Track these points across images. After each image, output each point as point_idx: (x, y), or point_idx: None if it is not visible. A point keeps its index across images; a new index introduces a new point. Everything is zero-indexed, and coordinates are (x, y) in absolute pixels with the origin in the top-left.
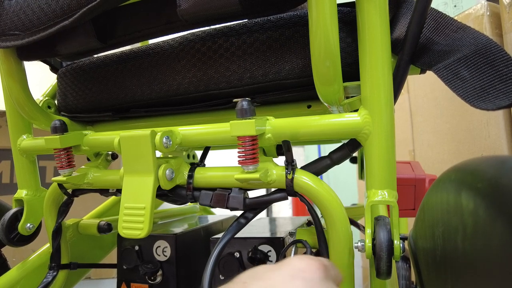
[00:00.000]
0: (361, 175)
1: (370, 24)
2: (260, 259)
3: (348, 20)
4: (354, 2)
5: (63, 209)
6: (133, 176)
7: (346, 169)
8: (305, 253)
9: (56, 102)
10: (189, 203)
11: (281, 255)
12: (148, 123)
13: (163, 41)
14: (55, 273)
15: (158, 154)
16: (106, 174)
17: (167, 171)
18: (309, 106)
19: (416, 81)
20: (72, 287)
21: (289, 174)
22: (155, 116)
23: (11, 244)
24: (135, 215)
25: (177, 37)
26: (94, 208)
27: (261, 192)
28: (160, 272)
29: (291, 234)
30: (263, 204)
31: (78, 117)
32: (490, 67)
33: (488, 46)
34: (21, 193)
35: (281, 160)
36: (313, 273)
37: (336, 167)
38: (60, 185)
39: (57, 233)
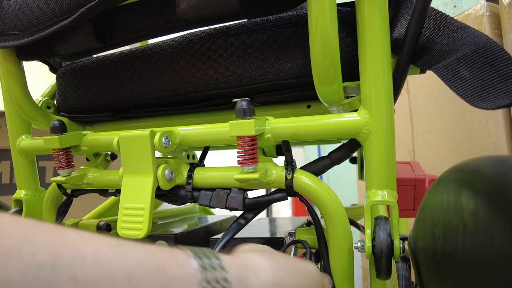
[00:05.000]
0: (361, 175)
1: (370, 24)
2: None
3: (347, 20)
4: (353, 2)
5: (62, 210)
6: (132, 176)
7: (346, 169)
8: (304, 253)
9: (55, 102)
10: (188, 203)
11: None
12: (147, 123)
13: (162, 41)
14: None
15: (158, 154)
16: (105, 174)
17: (166, 171)
18: (308, 106)
19: (416, 81)
20: None
21: (289, 174)
22: (155, 116)
23: None
24: (134, 216)
25: (176, 37)
26: (93, 208)
27: (261, 192)
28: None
29: (291, 234)
30: (262, 204)
31: (77, 117)
32: (490, 66)
33: (488, 46)
34: (20, 193)
35: (280, 160)
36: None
37: (336, 167)
38: (59, 186)
39: None
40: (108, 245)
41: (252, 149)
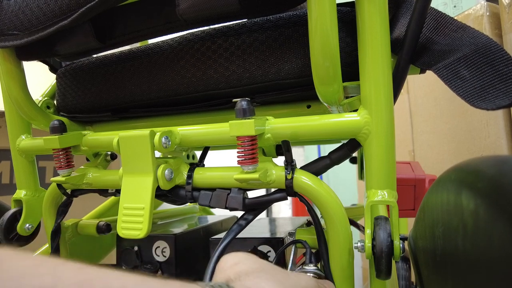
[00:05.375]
0: (360, 175)
1: (370, 24)
2: None
3: (347, 20)
4: (353, 1)
5: (62, 210)
6: (132, 176)
7: (346, 169)
8: (304, 253)
9: (55, 102)
10: (188, 204)
11: (279, 253)
12: (147, 123)
13: (162, 41)
14: None
15: (158, 154)
16: (105, 174)
17: (166, 171)
18: (308, 106)
19: (416, 81)
20: None
21: (289, 174)
22: (155, 116)
23: (10, 245)
24: (134, 216)
25: (176, 37)
26: (93, 208)
27: (261, 192)
28: (159, 273)
29: (291, 234)
30: (262, 204)
31: (77, 117)
32: (490, 66)
33: (488, 46)
34: (20, 193)
35: (280, 160)
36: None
37: (336, 167)
38: (59, 186)
39: (56, 233)
40: (133, 280)
41: (252, 149)
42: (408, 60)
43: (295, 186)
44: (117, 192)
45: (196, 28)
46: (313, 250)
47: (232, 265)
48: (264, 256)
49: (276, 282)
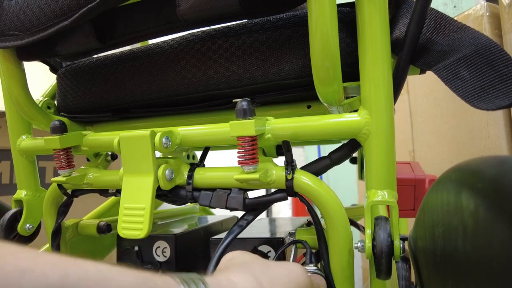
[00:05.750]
0: (361, 175)
1: (370, 24)
2: None
3: (347, 20)
4: (353, 2)
5: (63, 210)
6: (133, 177)
7: (346, 170)
8: (305, 253)
9: (55, 102)
10: (189, 204)
11: (279, 253)
12: (147, 123)
13: (162, 41)
14: None
15: (158, 154)
16: (105, 175)
17: (166, 171)
18: (309, 106)
19: (416, 82)
20: None
21: (289, 174)
22: (155, 116)
23: None
24: (135, 216)
25: (176, 38)
26: (93, 208)
27: (261, 192)
28: (159, 273)
29: (291, 234)
30: (263, 204)
31: (77, 118)
32: (490, 67)
33: (488, 46)
34: (21, 193)
35: (281, 161)
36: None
37: (336, 167)
38: (60, 186)
39: (57, 233)
40: (108, 267)
41: (252, 149)
42: (408, 60)
43: (295, 186)
44: (118, 192)
45: (197, 28)
46: (313, 250)
47: (227, 260)
48: (264, 256)
49: (247, 275)
